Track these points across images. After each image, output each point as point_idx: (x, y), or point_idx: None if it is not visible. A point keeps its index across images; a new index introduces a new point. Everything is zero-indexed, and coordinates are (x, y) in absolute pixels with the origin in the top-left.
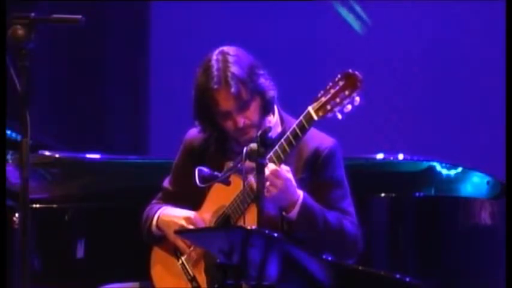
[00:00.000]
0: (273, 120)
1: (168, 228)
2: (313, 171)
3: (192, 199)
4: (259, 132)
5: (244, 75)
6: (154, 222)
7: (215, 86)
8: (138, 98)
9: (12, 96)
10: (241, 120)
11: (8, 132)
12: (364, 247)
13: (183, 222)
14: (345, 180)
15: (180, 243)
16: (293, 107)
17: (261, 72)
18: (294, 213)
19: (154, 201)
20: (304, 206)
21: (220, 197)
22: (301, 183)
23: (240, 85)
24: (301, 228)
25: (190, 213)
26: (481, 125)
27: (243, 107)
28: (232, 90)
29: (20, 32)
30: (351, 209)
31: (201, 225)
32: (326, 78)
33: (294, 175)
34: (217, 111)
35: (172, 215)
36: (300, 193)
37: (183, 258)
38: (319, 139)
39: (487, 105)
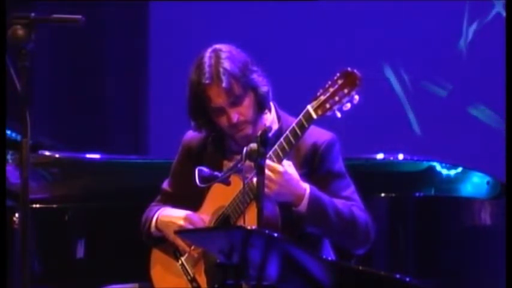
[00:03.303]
0: (270, 117)
1: (167, 228)
2: (313, 165)
3: (192, 200)
4: (259, 132)
5: (236, 71)
6: (153, 223)
7: (207, 82)
8: (138, 98)
9: (12, 96)
10: (235, 116)
11: (8, 132)
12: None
13: (182, 223)
14: (345, 171)
15: (180, 242)
16: (292, 105)
17: (254, 68)
18: (303, 206)
19: (153, 203)
20: (313, 198)
21: (220, 197)
22: (302, 179)
23: (231, 80)
24: (313, 221)
25: (189, 214)
26: (481, 125)
27: (235, 102)
28: (224, 85)
29: (20, 32)
30: (356, 196)
31: (201, 225)
32: (325, 77)
33: None
34: (210, 108)
35: (171, 215)
36: (306, 186)
37: (182, 258)
38: (316, 134)
39: (487, 104)
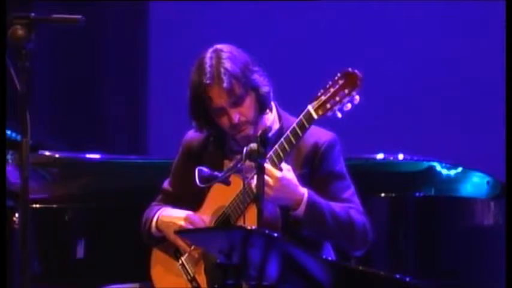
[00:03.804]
0: (271, 117)
1: (167, 228)
2: (313, 165)
3: (192, 200)
4: (259, 132)
5: (237, 71)
6: (153, 223)
7: (208, 82)
8: (138, 98)
9: (12, 96)
10: (236, 116)
11: (8, 132)
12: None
13: (183, 223)
14: (345, 172)
15: (181, 242)
16: (293, 105)
17: (255, 68)
18: (301, 211)
19: (154, 203)
20: (310, 203)
21: (220, 197)
22: (302, 179)
23: (232, 80)
24: (311, 226)
25: (189, 214)
26: (481, 125)
27: (236, 102)
28: (225, 85)
29: (20, 32)
30: (355, 198)
31: (201, 225)
32: (326, 77)
33: (294, 171)
34: (211, 108)
35: (171, 215)
36: (305, 191)
37: (183, 258)
38: (317, 134)
39: (487, 105)
